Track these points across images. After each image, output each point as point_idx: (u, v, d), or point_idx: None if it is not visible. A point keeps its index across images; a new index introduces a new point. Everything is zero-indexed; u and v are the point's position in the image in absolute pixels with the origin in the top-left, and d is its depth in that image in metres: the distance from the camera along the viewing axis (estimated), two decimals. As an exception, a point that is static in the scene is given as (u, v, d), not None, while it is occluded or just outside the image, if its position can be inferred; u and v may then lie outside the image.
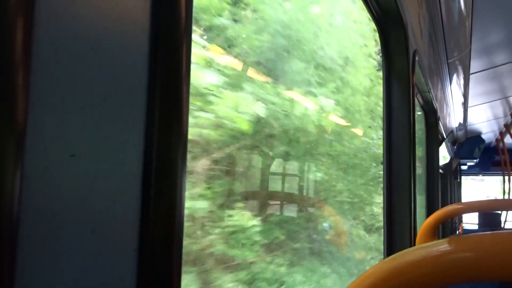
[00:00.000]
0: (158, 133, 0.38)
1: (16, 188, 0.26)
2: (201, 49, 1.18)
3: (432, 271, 0.36)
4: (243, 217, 1.39)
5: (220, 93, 1.25)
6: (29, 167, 0.28)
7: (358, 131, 2.50)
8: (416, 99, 2.75)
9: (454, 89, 4.04)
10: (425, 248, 0.40)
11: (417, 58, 1.89)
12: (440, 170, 5.10)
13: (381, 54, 1.75)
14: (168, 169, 0.38)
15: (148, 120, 0.38)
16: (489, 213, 5.86)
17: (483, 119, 6.22)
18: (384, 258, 1.69)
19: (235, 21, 1.34)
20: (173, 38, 0.39)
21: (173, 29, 0.40)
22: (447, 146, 5.50)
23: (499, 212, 6.19)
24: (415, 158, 1.81)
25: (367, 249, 2.49)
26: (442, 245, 0.38)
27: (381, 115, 1.80)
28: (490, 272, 0.34)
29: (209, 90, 1.20)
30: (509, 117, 5.81)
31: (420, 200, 3.25)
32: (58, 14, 0.30)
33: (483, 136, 7.38)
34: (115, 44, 0.35)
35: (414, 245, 1.72)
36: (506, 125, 6.44)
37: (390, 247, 1.67)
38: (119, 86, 0.35)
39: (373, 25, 1.72)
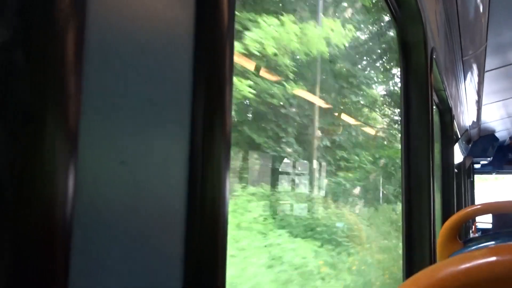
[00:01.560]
0: (203, 137, 0.37)
1: (69, 194, 0.26)
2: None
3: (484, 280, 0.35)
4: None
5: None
6: (81, 173, 0.27)
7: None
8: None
9: (468, 87, 3.99)
10: (472, 258, 0.38)
11: (434, 56, 1.87)
12: (455, 169, 5.05)
13: (398, 51, 1.73)
14: (213, 172, 0.38)
15: (192, 123, 0.37)
16: (504, 213, 5.79)
17: (497, 117, 6.14)
18: (403, 259, 1.67)
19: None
20: (216, 41, 0.39)
21: (216, 31, 0.39)
22: (460, 145, 5.43)
23: None
24: (433, 157, 1.79)
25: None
26: (490, 254, 0.37)
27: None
28: None
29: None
30: (524, 115, 5.73)
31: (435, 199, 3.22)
32: (108, 16, 0.30)
33: (497, 135, 7.28)
34: (161, 47, 0.35)
35: (434, 246, 1.69)
36: (520, 123, 6.36)
37: (409, 248, 1.64)
38: (165, 90, 0.35)
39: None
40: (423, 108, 1.71)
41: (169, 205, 0.35)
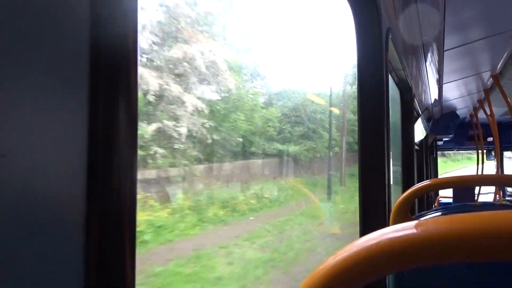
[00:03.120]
0: (104, 125, 0.36)
1: None
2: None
3: (399, 253, 0.36)
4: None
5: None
6: None
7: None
8: (391, 77, 2.77)
9: (429, 66, 4.09)
10: (392, 232, 0.40)
11: (390, 36, 1.90)
12: (416, 147, 5.20)
13: (354, 32, 1.75)
14: (117, 163, 0.37)
15: (91, 111, 0.36)
16: (463, 188, 6.03)
17: (458, 95, 6.33)
18: (360, 234, 1.73)
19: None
20: (116, 19, 0.37)
21: (116, 7, 0.37)
22: (423, 123, 5.59)
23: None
24: (389, 134, 1.84)
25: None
26: (408, 228, 0.38)
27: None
28: (458, 254, 0.34)
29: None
30: (482, 92, 5.93)
31: (397, 177, 3.32)
32: None
33: (458, 112, 7.53)
34: (55, 25, 0.33)
35: (389, 221, 1.76)
36: (479, 101, 6.58)
37: (365, 223, 1.70)
38: (59, 78, 0.33)
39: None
40: (379, 88, 1.75)
41: (65, 202, 0.34)
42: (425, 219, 0.39)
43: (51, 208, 0.33)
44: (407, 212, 1.51)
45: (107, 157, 0.37)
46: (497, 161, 7.75)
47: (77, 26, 0.36)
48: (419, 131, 5.40)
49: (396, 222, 1.37)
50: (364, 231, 1.69)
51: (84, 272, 0.35)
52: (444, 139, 8.71)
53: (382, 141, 1.72)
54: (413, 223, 0.38)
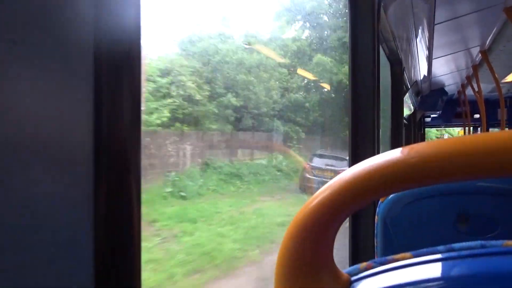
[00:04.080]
0: (108, 122, 0.36)
1: None
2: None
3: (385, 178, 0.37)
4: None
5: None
6: None
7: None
8: (381, 48, 2.76)
9: (419, 40, 4.08)
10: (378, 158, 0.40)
11: (382, 5, 1.89)
12: (405, 121, 5.25)
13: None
14: (122, 161, 0.37)
15: (96, 109, 0.36)
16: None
17: (447, 71, 6.37)
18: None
19: None
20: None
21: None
22: (411, 98, 5.63)
23: None
24: (379, 105, 1.85)
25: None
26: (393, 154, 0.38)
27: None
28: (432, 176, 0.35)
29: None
30: (471, 68, 5.97)
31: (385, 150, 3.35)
32: None
33: (446, 89, 7.58)
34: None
35: None
36: (467, 77, 6.63)
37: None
38: (64, 75, 0.33)
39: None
40: (369, 56, 1.74)
41: (73, 203, 0.34)
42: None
43: (59, 208, 0.33)
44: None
45: (112, 155, 0.37)
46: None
47: (82, 24, 0.36)
48: (408, 106, 5.43)
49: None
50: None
51: (93, 272, 0.36)
52: (432, 116, 8.80)
53: (372, 111, 1.73)
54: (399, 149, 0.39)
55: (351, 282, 0.45)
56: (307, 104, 10.52)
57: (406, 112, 5.48)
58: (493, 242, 0.41)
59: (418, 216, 1.30)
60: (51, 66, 0.34)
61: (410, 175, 0.35)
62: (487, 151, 0.33)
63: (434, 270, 0.41)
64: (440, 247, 0.44)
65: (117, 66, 0.38)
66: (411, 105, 5.65)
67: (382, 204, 1.36)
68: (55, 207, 0.34)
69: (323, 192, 0.39)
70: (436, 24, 3.79)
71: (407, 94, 4.80)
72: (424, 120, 8.91)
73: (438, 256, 0.43)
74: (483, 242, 0.42)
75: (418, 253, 0.44)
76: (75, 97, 0.36)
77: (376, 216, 1.37)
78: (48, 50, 0.33)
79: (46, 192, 0.33)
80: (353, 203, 0.39)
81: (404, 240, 1.28)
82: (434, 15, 3.48)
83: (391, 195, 1.32)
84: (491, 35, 4.44)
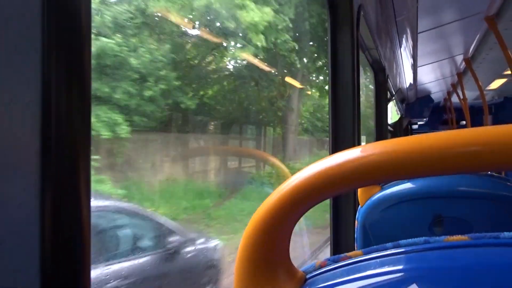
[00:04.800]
0: (57, 106, 0.36)
1: None
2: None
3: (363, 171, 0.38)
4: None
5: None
6: None
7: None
8: (365, 57, 2.80)
9: (403, 48, 4.14)
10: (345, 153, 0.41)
11: (362, 13, 1.92)
12: (390, 128, 5.30)
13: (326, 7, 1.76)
14: (71, 164, 0.37)
15: (44, 104, 0.36)
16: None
17: (432, 79, 6.46)
18: (330, 214, 1.76)
19: None
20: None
21: None
22: (397, 105, 5.69)
23: None
24: (359, 111, 1.87)
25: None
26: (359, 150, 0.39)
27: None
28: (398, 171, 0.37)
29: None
30: (456, 76, 6.06)
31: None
32: None
33: (432, 96, 7.69)
34: None
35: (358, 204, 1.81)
36: (453, 84, 6.73)
37: (335, 206, 1.73)
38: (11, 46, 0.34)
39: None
40: (349, 64, 1.77)
41: (17, 193, 0.35)
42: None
43: (5, 207, 0.33)
44: None
45: (61, 152, 0.38)
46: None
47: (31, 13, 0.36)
48: (393, 113, 5.49)
49: (363, 191, 1.38)
50: (335, 216, 1.72)
51: (40, 272, 0.36)
52: (419, 123, 8.90)
53: (352, 117, 1.75)
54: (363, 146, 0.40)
55: (306, 280, 0.46)
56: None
57: (391, 118, 5.53)
58: (436, 238, 0.43)
59: (395, 220, 1.32)
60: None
61: (362, 172, 0.36)
62: (437, 149, 0.34)
63: (381, 266, 0.42)
64: (388, 244, 0.45)
65: (67, 61, 0.39)
66: (397, 111, 5.71)
67: (361, 209, 1.38)
68: (1, 205, 0.35)
69: (279, 190, 0.40)
70: (419, 33, 3.85)
71: (393, 101, 4.85)
72: (411, 127, 9.01)
73: (386, 252, 0.44)
74: (427, 238, 0.43)
75: (368, 250, 0.45)
76: (21, 91, 0.36)
77: (355, 221, 1.38)
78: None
79: None
80: (307, 201, 0.40)
81: (382, 244, 1.29)
82: (417, 23, 3.54)
83: (370, 200, 1.34)
84: (473, 44, 4.52)
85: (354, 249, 1.24)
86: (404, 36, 3.79)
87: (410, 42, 4.02)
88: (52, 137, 0.37)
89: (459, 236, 0.42)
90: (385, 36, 3.16)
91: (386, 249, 0.44)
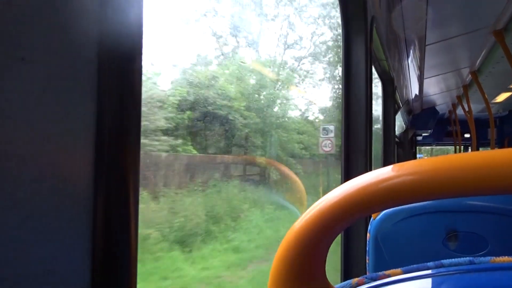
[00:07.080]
0: (111, 125, 0.37)
1: None
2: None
3: (378, 194, 0.38)
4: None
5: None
6: None
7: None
8: (374, 67, 2.81)
9: (410, 60, 4.16)
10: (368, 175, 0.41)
11: (374, 25, 1.93)
12: (397, 139, 5.29)
13: (341, 19, 1.77)
14: (122, 162, 0.38)
15: (98, 120, 0.37)
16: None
17: (437, 91, 6.46)
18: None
19: None
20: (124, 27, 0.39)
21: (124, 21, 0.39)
22: (403, 117, 5.69)
23: None
24: (371, 123, 1.87)
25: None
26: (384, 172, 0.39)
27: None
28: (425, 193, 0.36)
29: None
30: (461, 89, 6.07)
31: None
32: None
33: (437, 108, 7.69)
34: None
35: (370, 216, 1.80)
36: (458, 97, 6.73)
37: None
38: (67, 78, 0.35)
39: None
40: (362, 74, 1.77)
41: (72, 201, 0.35)
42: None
43: (58, 207, 0.34)
44: None
45: (113, 157, 0.39)
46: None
47: (86, 27, 0.38)
48: (400, 125, 5.49)
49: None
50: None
51: (91, 272, 0.37)
52: (423, 135, 8.89)
53: (365, 127, 1.75)
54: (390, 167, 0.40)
55: None
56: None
57: (398, 129, 5.53)
58: (482, 259, 0.42)
59: (408, 234, 1.31)
60: (56, 74, 0.35)
61: (399, 192, 0.36)
62: (475, 169, 0.34)
63: (424, 286, 0.42)
64: (430, 264, 0.44)
65: (119, 71, 0.39)
66: (404, 123, 5.71)
67: (374, 222, 1.37)
68: (54, 207, 0.35)
69: (316, 207, 0.40)
70: (427, 45, 3.86)
71: (399, 112, 4.85)
72: (416, 138, 9.00)
73: (428, 272, 0.43)
74: (471, 258, 0.42)
75: (409, 269, 0.45)
76: (78, 102, 0.37)
77: (368, 233, 1.38)
78: (53, 60, 0.34)
79: (46, 192, 0.34)
80: (345, 219, 0.39)
81: (395, 257, 1.28)
82: (425, 36, 3.56)
83: (382, 213, 1.34)
84: (480, 57, 4.53)
85: (365, 262, 1.24)
86: (412, 47, 3.81)
87: (418, 53, 4.04)
88: (105, 141, 0.38)
89: (506, 257, 0.42)
90: (393, 48, 3.18)
91: (428, 268, 0.44)
